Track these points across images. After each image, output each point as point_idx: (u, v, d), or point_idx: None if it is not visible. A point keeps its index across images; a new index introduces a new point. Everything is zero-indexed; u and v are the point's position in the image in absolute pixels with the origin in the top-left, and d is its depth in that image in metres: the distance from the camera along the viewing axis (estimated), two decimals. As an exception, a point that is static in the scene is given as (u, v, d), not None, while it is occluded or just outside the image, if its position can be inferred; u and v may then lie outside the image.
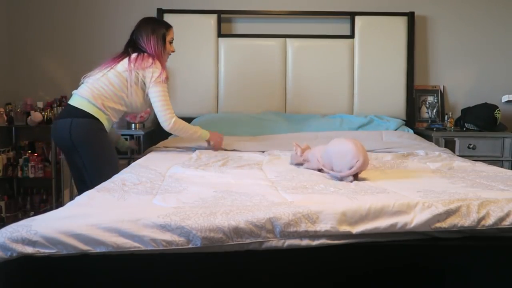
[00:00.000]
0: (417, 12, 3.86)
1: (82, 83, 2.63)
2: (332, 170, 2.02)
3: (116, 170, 2.29)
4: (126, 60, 2.60)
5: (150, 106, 2.69)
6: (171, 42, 2.74)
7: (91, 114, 2.51)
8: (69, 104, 2.58)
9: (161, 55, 2.65)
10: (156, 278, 1.32)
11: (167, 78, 2.65)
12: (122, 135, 3.41)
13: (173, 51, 2.77)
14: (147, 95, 2.62)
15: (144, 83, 2.60)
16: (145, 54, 2.62)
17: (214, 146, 2.87)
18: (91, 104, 2.52)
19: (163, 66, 2.65)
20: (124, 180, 1.87)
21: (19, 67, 3.85)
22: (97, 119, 2.53)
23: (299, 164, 2.33)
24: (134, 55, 2.61)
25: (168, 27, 2.73)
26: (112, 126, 2.74)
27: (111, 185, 1.78)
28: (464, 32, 3.95)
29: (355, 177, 1.94)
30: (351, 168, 1.90)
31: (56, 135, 2.59)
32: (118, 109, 2.62)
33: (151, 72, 2.57)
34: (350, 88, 3.81)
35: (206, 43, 3.74)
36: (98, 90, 2.54)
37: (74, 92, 2.62)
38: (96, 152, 2.52)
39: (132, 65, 2.56)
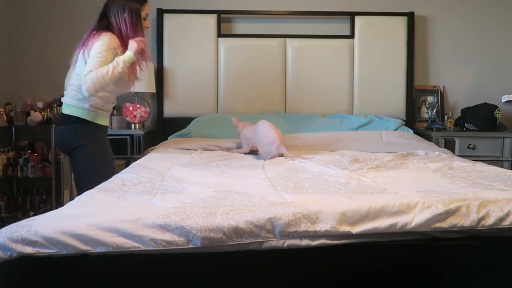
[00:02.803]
0: (417, 12, 3.86)
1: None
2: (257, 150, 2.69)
3: (107, 176, 2.10)
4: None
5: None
6: (145, 18, 2.47)
7: (79, 118, 2.38)
8: (62, 113, 2.48)
9: (131, 37, 2.38)
10: (156, 278, 1.31)
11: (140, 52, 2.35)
12: (122, 135, 3.41)
13: (148, 27, 2.52)
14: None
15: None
16: (110, 33, 2.37)
17: (142, 54, 2.43)
18: (75, 106, 2.39)
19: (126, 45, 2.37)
20: (124, 180, 1.87)
21: (19, 67, 3.85)
22: (87, 121, 2.39)
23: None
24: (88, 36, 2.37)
25: (143, 1, 2.45)
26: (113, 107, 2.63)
27: (111, 185, 1.78)
28: (464, 32, 3.95)
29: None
30: (276, 153, 2.56)
31: (55, 142, 2.53)
32: (103, 95, 2.40)
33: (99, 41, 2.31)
34: (350, 88, 3.81)
35: (206, 43, 3.74)
36: (76, 87, 2.38)
37: (62, 99, 2.51)
38: (88, 158, 2.40)
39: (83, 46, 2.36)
